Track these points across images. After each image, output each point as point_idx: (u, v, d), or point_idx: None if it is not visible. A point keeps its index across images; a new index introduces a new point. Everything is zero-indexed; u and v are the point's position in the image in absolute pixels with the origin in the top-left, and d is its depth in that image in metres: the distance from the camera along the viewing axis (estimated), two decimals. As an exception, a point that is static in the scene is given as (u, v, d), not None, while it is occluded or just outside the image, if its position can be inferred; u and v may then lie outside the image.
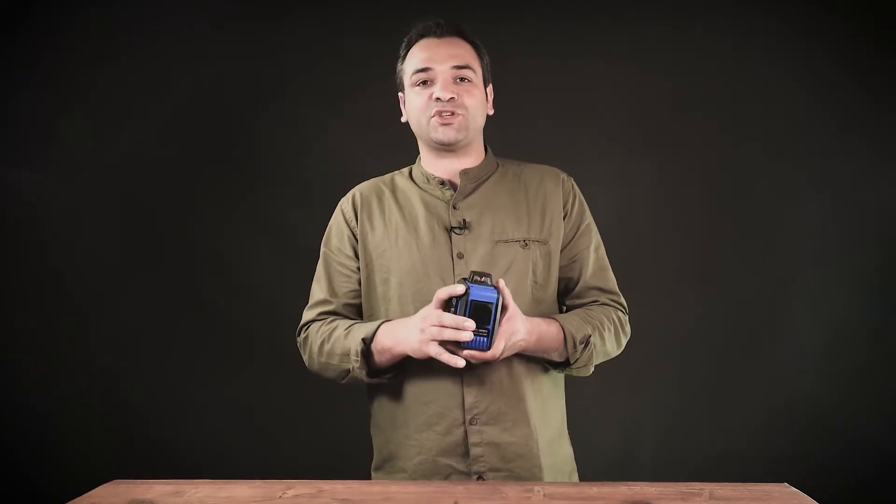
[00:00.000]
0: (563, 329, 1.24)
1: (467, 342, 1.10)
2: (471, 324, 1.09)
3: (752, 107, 2.15)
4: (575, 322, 1.26)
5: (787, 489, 1.04)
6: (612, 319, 1.32)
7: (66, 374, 2.09)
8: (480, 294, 1.10)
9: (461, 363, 1.12)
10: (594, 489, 1.04)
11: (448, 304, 1.13)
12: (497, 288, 1.12)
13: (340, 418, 1.96)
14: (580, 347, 1.24)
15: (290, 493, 1.04)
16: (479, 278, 1.12)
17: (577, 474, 1.39)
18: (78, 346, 2.11)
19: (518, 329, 1.17)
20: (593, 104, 2.17)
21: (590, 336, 1.25)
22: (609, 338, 1.30)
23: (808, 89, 2.13)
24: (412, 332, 1.16)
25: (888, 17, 2.08)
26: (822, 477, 1.78)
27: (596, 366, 1.32)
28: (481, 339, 1.11)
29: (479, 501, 1.00)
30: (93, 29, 2.09)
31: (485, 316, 1.10)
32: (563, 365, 1.28)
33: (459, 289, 1.10)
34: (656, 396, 2.19)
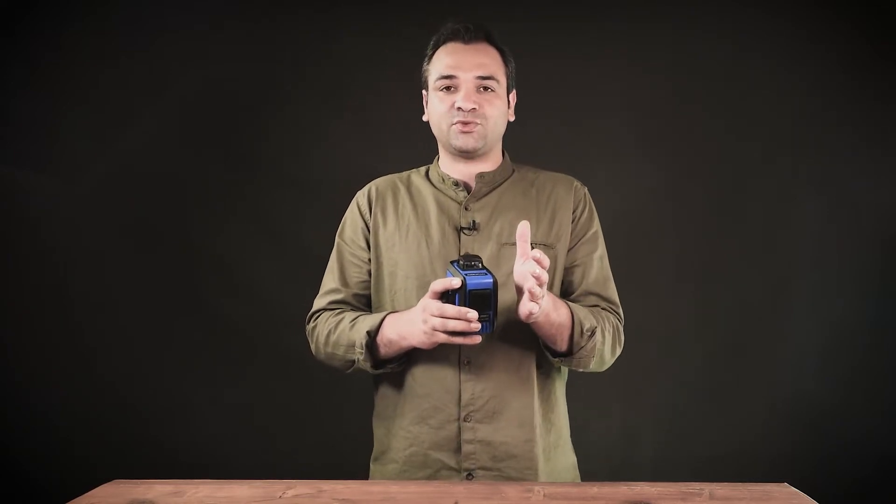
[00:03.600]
0: (572, 314, 1.23)
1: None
2: (473, 314, 1.08)
3: (753, 106, 2.15)
4: (583, 311, 1.26)
5: (787, 489, 1.04)
6: (612, 323, 1.31)
7: (66, 374, 2.08)
8: (477, 283, 1.09)
9: (478, 339, 1.12)
10: (594, 489, 1.04)
11: (444, 295, 1.12)
12: (490, 272, 1.11)
13: (340, 418, 1.96)
14: (586, 335, 1.22)
15: (290, 493, 1.05)
16: (470, 264, 1.12)
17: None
18: (78, 345, 2.10)
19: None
20: (593, 103, 2.17)
21: (596, 328, 1.24)
22: (608, 340, 1.28)
23: (808, 89, 2.13)
24: (416, 324, 1.16)
25: (888, 17, 2.08)
26: (822, 477, 1.78)
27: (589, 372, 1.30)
28: (485, 324, 1.10)
29: (479, 501, 1.00)
30: (93, 29, 2.08)
31: (484, 303, 1.09)
32: (564, 355, 1.25)
33: (456, 282, 1.09)
34: (657, 396, 2.19)
